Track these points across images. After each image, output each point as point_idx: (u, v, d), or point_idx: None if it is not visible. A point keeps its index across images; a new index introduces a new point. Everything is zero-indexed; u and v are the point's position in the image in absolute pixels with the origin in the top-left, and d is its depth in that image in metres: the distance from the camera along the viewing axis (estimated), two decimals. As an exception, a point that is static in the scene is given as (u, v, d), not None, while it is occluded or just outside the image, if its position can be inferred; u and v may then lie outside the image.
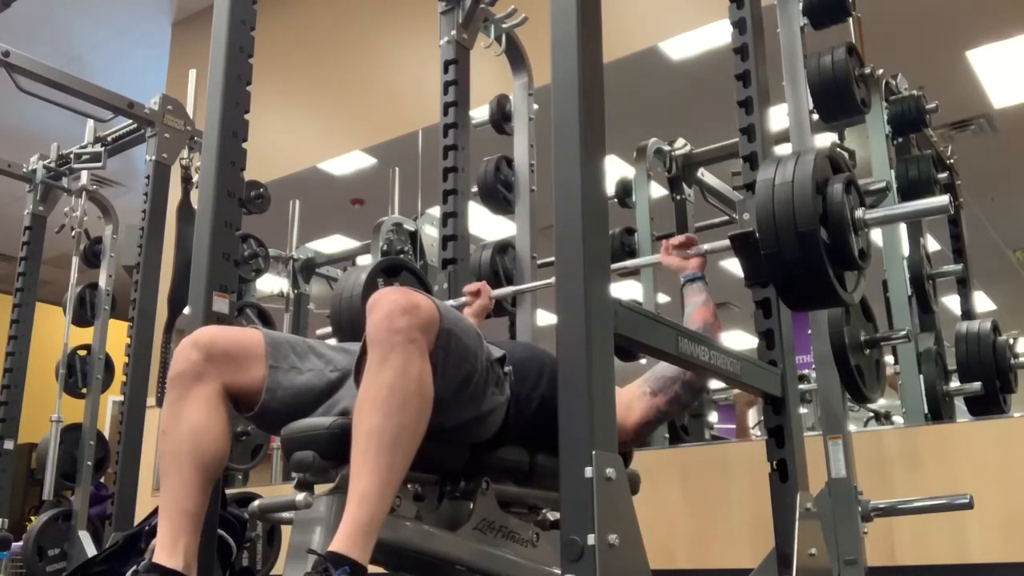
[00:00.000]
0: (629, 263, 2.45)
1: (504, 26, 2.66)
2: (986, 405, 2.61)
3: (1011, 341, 2.68)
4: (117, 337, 3.39)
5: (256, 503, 1.36)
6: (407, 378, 1.25)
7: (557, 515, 1.36)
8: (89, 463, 3.31)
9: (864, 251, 1.52)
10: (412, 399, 1.25)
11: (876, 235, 2.64)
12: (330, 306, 2.19)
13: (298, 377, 1.48)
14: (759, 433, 3.38)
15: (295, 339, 1.55)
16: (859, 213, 1.51)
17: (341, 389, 1.49)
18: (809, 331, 2.01)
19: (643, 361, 3.03)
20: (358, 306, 2.12)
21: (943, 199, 1.56)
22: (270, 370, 1.46)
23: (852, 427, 2.05)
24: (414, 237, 3.80)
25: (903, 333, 2.13)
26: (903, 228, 2.74)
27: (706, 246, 1.93)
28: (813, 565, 1.59)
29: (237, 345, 1.46)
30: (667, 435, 3.05)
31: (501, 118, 2.89)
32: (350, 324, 2.07)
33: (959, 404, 2.73)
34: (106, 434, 3.75)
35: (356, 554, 1.17)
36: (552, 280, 2.38)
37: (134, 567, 1.38)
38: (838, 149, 2.33)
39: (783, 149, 2.00)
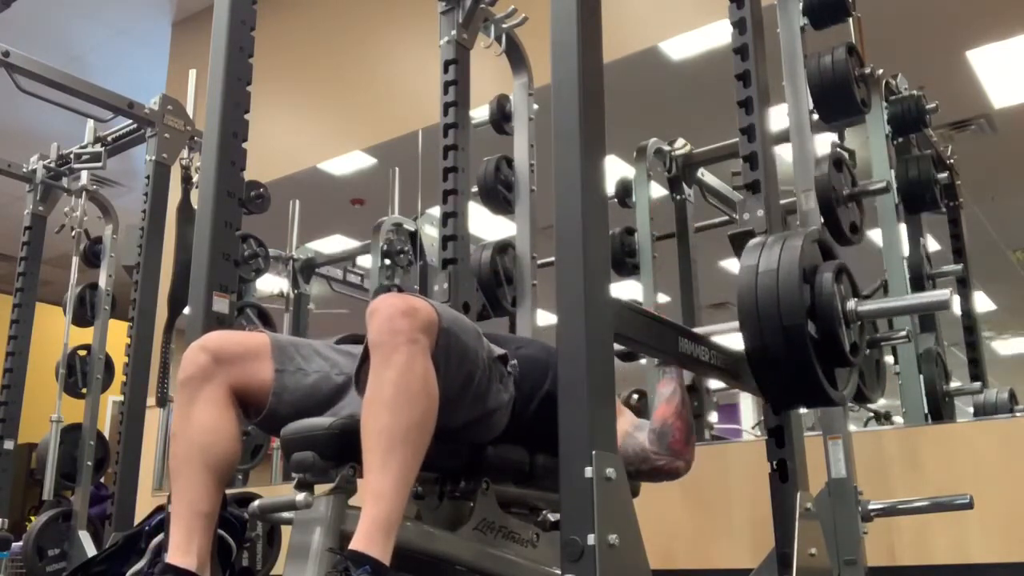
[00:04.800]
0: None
1: (504, 26, 2.66)
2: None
3: None
4: (117, 337, 3.39)
5: (256, 503, 1.36)
6: (412, 377, 1.26)
7: (557, 516, 1.36)
8: (89, 463, 3.31)
9: (857, 345, 1.41)
10: (419, 397, 1.26)
11: (876, 235, 2.64)
12: None
13: (304, 379, 1.49)
14: (759, 433, 3.38)
15: (300, 341, 1.56)
16: (851, 305, 1.40)
17: (347, 394, 1.50)
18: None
19: (643, 361, 3.04)
20: None
21: (944, 294, 1.48)
22: (276, 373, 1.47)
23: (852, 427, 2.04)
24: (414, 237, 3.80)
25: (903, 333, 2.12)
26: (903, 228, 2.74)
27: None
28: (813, 565, 1.59)
29: (244, 349, 1.48)
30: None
31: (501, 118, 2.89)
32: None
33: (961, 405, 2.73)
34: (106, 434, 3.75)
35: (376, 552, 1.18)
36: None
37: (137, 566, 1.38)
38: (839, 149, 2.33)
39: (783, 149, 2.00)
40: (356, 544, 1.19)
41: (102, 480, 3.67)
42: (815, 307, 1.34)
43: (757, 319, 1.33)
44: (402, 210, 3.97)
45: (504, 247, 2.79)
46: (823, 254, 1.42)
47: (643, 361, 3.04)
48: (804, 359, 1.30)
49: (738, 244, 1.75)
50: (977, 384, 2.63)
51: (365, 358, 1.33)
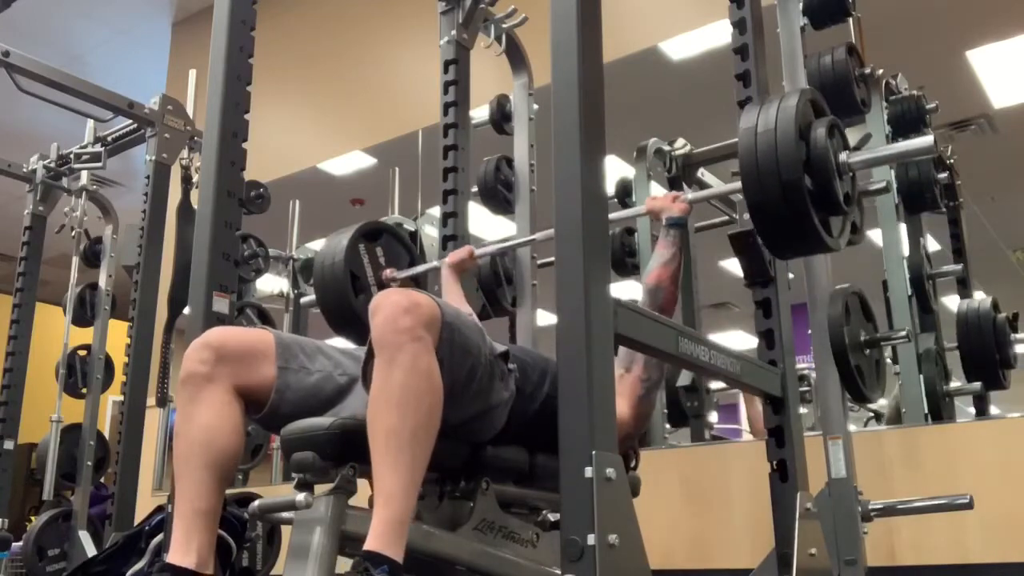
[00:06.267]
0: (618, 214, 2.21)
1: (504, 26, 2.66)
2: (987, 381, 2.63)
3: (1010, 317, 2.68)
4: (117, 337, 3.39)
5: (256, 503, 1.36)
6: (418, 376, 1.26)
7: (557, 516, 1.37)
8: (89, 463, 3.31)
9: (849, 195, 1.49)
10: (425, 396, 1.27)
11: (876, 235, 2.65)
12: (313, 276, 2.15)
13: (307, 378, 1.49)
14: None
15: (304, 340, 1.56)
16: (843, 157, 1.48)
17: (349, 395, 1.49)
18: (809, 331, 2.01)
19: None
20: (341, 271, 2.10)
21: (927, 139, 1.54)
22: (279, 371, 1.47)
23: (852, 427, 2.05)
24: (414, 237, 3.79)
25: (903, 333, 2.12)
26: (903, 228, 2.74)
27: (691, 195, 1.89)
28: (813, 565, 1.59)
29: (247, 346, 1.47)
30: (667, 424, 3.04)
31: (501, 118, 2.89)
32: (334, 291, 2.03)
33: (961, 405, 2.73)
34: (106, 434, 3.75)
35: (391, 552, 1.19)
36: (549, 232, 2.36)
37: (137, 566, 1.38)
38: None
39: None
40: (372, 544, 1.19)
41: (102, 480, 3.67)
42: (810, 161, 1.42)
43: (757, 176, 1.41)
44: (402, 210, 3.97)
45: (504, 247, 2.79)
46: (815, 112, 1.49)
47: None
48: (802, 210, 1.39)
49: (738, 244, 1.75)
50: (977, 384, 2.63)
51: (371, 355, 1.33)
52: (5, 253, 7.32)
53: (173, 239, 2.41)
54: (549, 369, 1.59)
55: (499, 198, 2.85)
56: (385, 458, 1.23)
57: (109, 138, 3.50)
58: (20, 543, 3.23)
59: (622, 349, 1.71)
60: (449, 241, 2.44)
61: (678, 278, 1.76)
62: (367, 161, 4.52)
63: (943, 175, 2.88)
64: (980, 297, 2.72)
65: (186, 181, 2.62)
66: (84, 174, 3.59)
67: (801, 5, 2.14)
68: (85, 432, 3.38)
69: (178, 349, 1.93)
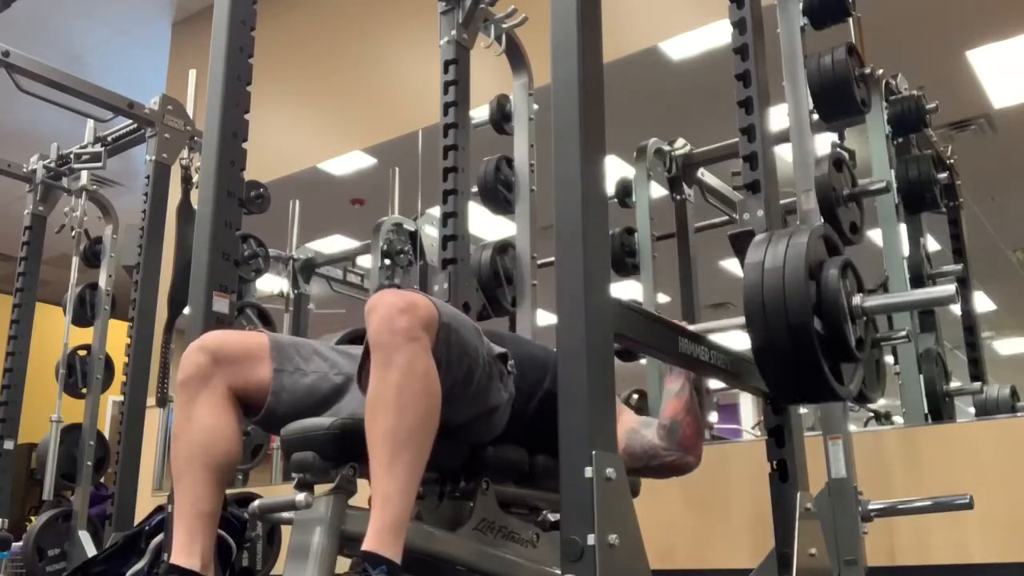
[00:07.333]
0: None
1: (504, 26, 2.65)
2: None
3: None
4: (117, 337, 3.39)
5: (256, 503, 1.36)
6: (414, 377, 1.25)
7: (557, 516, 1.37)
8: (89, 463, 3.30)
9: (863, 340, 1.40)
10: (422, 397, 1.26)
11: (876, 235, 2.64)
12: None
13: (302, 379, 1.49)
14: (759, 432, 3.38)
15: (300, 341, 1.56)
16: (856, 300, 1.39)
17: (346, 394, 1.49)
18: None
19: (643, 361, 3.04)
20: None
21: (949, 289, 1.46)
22: (275, 373, 1.47)
23: (852, 427, 2.05)
24: (414, 237, 3.80)
25: (903, 333, 2.12)
26: (903, 228, 2.74)
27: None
28: (813, 565, 1.59)
29: (243, 349, 1.48)
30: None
31: (501, 118, 2.89)
32: None
33: (961, 405, 2.73)
34: (106, 434, 3.75)
35: (389, 552, 1.19)
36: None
37: (137, 567, 1.39)
38: (839, 149, 2.33)
39: (783, 149, 1.99)
40: (370, 545, 1.20)
41: (102, 480, 3.67)
42: (821, 304, 1.33)
43: (763, 317, 1.32)
44: (402, 210, 3.97)
45: (504, 247, 2.79)
46: (828, 250, 1.42)
47: (643, 361, 3.05)
48: (810, 356, 1.30)
49: (738, 244, 1.75)
50: (977, 384, 2.63)
51: (367, 356, 1.33)
52: (5, 253, 7.32)
53: (173, 239, 2.42)
54: (550, 362, 1.57)
55: (499, 198, 2.85)
56: (383, 460, 1.23)
57: (109, 138, 3.50)
58: (20, 543, 3.23)
59: (635, 440, 1.66)
60: (449, 241, 2.44)
61: (694, 408, 1.63)
62: (367, 161, 4.52)
63: (943, 175, 2.88)
64: (998, 386, 2.72)
65: (186, 181, 2.63)
66: (84, 174, 3.58)
67: (801, 5, 2.14)
68: (85, 432, 3.37)
69: (178, 349, 1.93)
